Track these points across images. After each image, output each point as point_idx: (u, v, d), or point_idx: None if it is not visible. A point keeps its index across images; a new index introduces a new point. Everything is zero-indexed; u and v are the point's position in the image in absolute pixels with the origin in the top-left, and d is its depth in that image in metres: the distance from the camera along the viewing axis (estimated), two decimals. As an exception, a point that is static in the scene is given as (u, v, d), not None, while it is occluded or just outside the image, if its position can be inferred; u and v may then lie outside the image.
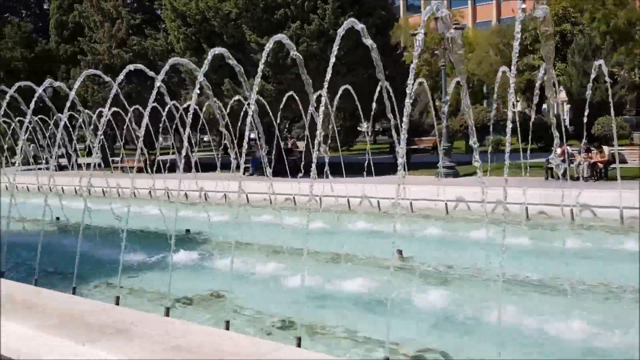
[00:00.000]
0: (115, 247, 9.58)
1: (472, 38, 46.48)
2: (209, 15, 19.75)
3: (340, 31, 6.49)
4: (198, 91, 7.39)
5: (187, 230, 11.33)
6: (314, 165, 5.62)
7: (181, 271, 8.33)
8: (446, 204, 12.14)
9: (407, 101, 5.32)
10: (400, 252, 8.48)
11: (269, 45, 6.74)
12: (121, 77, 7.76)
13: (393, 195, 13.22)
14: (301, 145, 32.04)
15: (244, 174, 23.20)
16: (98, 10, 25.52)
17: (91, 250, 9.42)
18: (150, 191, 17.82)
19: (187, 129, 7.75)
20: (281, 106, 15.54)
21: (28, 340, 4.39)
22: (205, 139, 46.54)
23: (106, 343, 3.98)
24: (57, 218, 13.60)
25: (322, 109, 6.13)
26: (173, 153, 27.11)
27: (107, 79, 9.54)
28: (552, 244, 9.14)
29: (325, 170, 13.12)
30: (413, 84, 5.55)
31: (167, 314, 5.41)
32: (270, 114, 15.77)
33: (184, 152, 7.16)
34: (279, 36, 7.63)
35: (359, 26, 7.34)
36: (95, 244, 10.04)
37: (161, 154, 31.43)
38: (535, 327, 5.56)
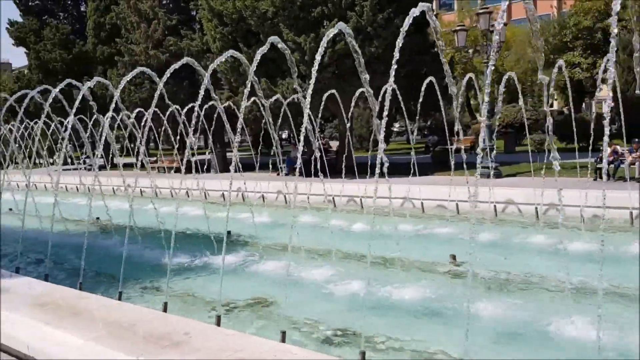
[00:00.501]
0: (158, 248, 9.44)
1: (508, 36, 45.50)
2: (246, 14, 19.58)
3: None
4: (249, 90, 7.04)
5: (229, 232, 11.08)
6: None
7: (226, 275, 8.07)
8: (495, 206, 11.64)
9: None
10: (454, 257, 8.07)
11: (323, 43, 6.35)
12: (166, 76, 7.55)
13: (437, 196, 12.78)
14: (334, 145, 31.74)
15: (278, 174, 23.08)
16: (135, 11, 25.65)
17: (134, 252, 9.26)
18: (187, 191, 17.73)
19: (239, 130, 7.46)
20: (322, 106, 15.22)
21: (78, 352, 4.16)
22: (236, 139, 46.56)
23: (164, 357, 3.71)
24: (97, 218, 13.56)
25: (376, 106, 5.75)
26: (208, 153, 27.16)
27: (155, 77, 9.34)
28: (618, 249, 8.59)
29: (381, 170, 12.73)
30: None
31: (218, 323, 5.14)
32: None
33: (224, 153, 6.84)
34: (340, 25, 7.14)
35: (425, 5, 6.89)
36: (137, 245, 9.88)
37: (192, 154, 31.58)
38: (614, 342, 5.11)
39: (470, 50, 43.84)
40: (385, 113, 5.52)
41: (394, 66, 5.53)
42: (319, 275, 7.71)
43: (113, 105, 8.07)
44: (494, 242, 9.43)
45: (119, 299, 6.14)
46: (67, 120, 12.12)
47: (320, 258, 8.75)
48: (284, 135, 52.72)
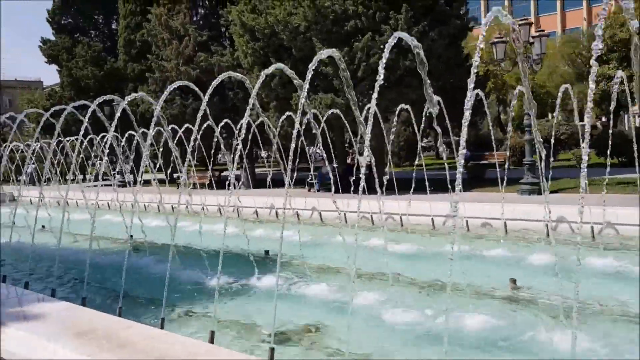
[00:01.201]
0: (197, 269, 9.07)
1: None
2: (278, 29, 19.38)
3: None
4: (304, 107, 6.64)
5: (266, 252, 10.69)
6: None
7: (270, 299, 7.64)
8: (547, 224, 11.01)
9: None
10: (514, 281, 7.51)
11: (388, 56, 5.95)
12: (210, 91, 7.28)
13: (482, 214, 12.20)
14: (363, 160, 31.25)
15: (309, 190, 22.66)
16: (166, 28, 25.72)
17: (172, 273, 8.91)
18: (219, 208, 17.44)
19: (274, 145, 7.08)
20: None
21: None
22: (262, 154, 46.41)
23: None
24: (131, 236, 13.28)
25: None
26: (238, 169, 26.94)
27: (198, 92, 9.07)
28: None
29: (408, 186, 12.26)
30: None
31: (272, 357, 4.70)
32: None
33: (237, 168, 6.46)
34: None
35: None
36: (174, 265, 9.51)
37: (222, 170, 31.45)
38: None
39: (503, 64, 42.99)
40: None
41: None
42: (370, 300, 7.22)
43: (155, 119, 7.77)
44: (553, 264, 8.82)
45: (162, 326, 5.75)
46: (105, 136, 11.87)
47: (368, 281, 8.26)
48: (312, 151, 52.49)
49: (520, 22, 17.20)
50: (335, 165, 24.94)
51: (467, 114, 4.59)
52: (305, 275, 8.68)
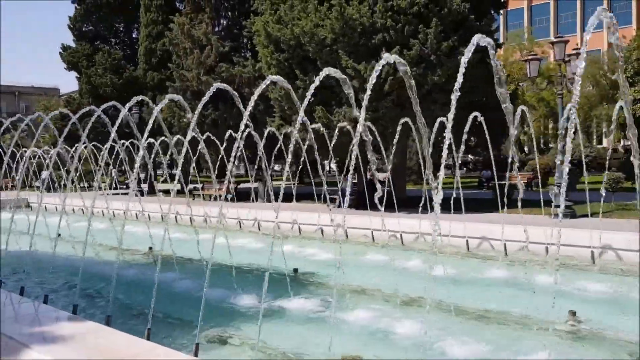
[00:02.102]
0: (223, 286, 8.54)
1: (564, 69, 44.21)
2: (304, 41, 18.99)
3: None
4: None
5: (295, 270, 10.14)
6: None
7: (304, 323, 7.10)
8: (592, 251, 10.39)
9: None
10: (573, 313, 6.90)
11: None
12: (204, 100, 6.96)
13: (520, 237, 11.58)
14: (381, 176, 30.70)
15: (328, 205, 22.12)
16: (188, 37, 25.48)
17: (197, 290, 8.38)
18: (239, 221, 16.96)
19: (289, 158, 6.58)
20: (399, 132, 14.29)
21: None
22: (276, 168, 45.96)
23: None
24: (150, 248, 12.81)
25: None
26: (255, 181, 26.50)
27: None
28: None
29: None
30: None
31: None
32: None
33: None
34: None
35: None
36: (198, 282, 9.00)
37: (238, 182, 31.01)
38: None
39: (524, 83, 42.50)
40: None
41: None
42: (410, 330, 6.64)
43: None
44: (610, 296, 8.21)
45: (196, 353, 5.22)
46: (124, 143, 11.42)
47: (407, 306, 7.67)
48: (333, 166, 51.88)
49: (556, 40, 16.71)
50: (355, 181, 24.42)
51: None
52: (341, 298, 8.11)
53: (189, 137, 7.19)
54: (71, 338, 5.16)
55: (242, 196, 24.39)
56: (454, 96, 6.68)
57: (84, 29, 34.33)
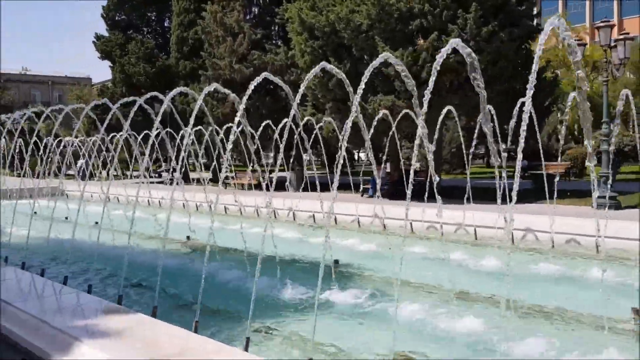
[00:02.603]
0: (268, 277, 8.37)
1: (597, 57, 42.82)
2: (339, 27, 18.65)
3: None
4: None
5: (336, 261, 9.91)
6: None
7: (350, 318, 6.87)
8: (646, 245, 9.91)
9: None
10: (637, 311, 6.52)
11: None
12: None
13: (567, 229, 11.16)
14: (411, 166, 30.12)
15: (362, 195, 21.86)
16: (220, 25, 25.36)
17: (242, 282, 8.25)
18: (274, 211, 16.80)
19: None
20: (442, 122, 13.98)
21: None
22: (304, 157, 45.76)
23: None
24: (188, 237, 12.75)
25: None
26: (288, 170, 26.32)
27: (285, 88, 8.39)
28: None
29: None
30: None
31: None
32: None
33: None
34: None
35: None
36: (239, 272, 8.87)
37: (271, 171, 30.90)
38: None
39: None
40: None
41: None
42: (464, 327, 6.35)
43: (239, 114, 7.11)
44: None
45: (246, 347, 5.04)
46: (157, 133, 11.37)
47: (456, 301, 7.38)
48: (362, 155, 51.59)
49: (601, 25, 16.03)
50: (388, 170, 24.07)
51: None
52: (388, 292, 7.86)
53: (235, 127, 6.94)
54: (118, 331, 5.03)
55: (272, 185, 24.24)
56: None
57: (117, 18, 34.56)
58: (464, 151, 17.29)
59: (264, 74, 7.74)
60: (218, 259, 9.78)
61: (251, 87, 7.22)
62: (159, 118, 7.67)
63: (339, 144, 13.65)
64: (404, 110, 15.47)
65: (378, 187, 21.09)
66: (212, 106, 25.78)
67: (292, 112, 6.75)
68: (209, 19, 26.15)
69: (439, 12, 17.73)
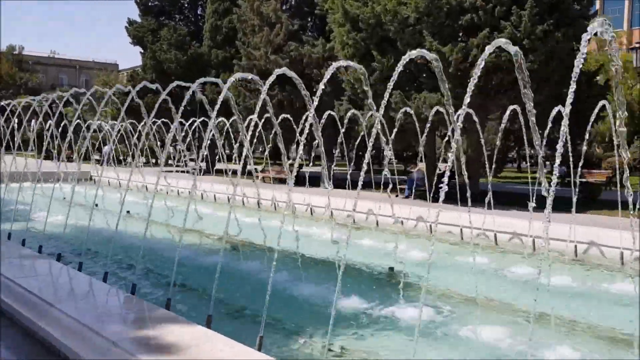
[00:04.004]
0: (313, 282, 7.68)
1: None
2: (385, 20, 17.86)
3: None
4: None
5: (391, 269, 9.20)
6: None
7: (422, 338, 6.12)
8: None
9: None
10: None
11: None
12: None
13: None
14: (442, 166, 29.27)
15: (397, 195, 21.05)
16: (257, 14, 24.71)
17: (286, 284, 7.56)
18: (310, 208, 16.13)
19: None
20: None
21: None
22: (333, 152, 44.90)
23: None
24: (225, 232, 12.08)
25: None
26: (314, 165, 25.68)
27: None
28: None
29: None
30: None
31: None
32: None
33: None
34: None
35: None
36: (281, 274, 8.16)
37: (300, 166, 30.24)
38: None
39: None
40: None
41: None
42: (558, 356, 5.58)
43: (259, 106, 6.54)
44: None
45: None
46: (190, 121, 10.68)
47: (529, 322, 6.59)
48: (387, 154, 50.62)
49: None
50: (415, 169, 23.23)
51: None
52: (452, 307, 7.11)
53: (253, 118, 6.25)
54: (174, 346, 4.37)
55: (301, 181, 23.53)
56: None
57: (149, 4, 34.09)
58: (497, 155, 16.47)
59: (280, 70, 7.27)
60: (260, 259, 9.12)
61: (270, 79, 6.75)
62: (212, 108, 6.99)
63: (370, 140, 12.86)
64: (436, 108, 14.74)
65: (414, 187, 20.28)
66: (244, 97, 25.18)
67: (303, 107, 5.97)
68: (245, 7, 25.53)
69: (491, 7, 16.85)
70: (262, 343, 4.86)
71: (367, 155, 5.88)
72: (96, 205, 15.90)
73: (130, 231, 11.03)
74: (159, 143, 27.90)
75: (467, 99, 8.03)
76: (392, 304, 7.01)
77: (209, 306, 5.40)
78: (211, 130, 7.92)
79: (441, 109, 14.50)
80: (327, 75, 6.59)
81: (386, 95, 6.73)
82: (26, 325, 5.31)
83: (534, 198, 10.53)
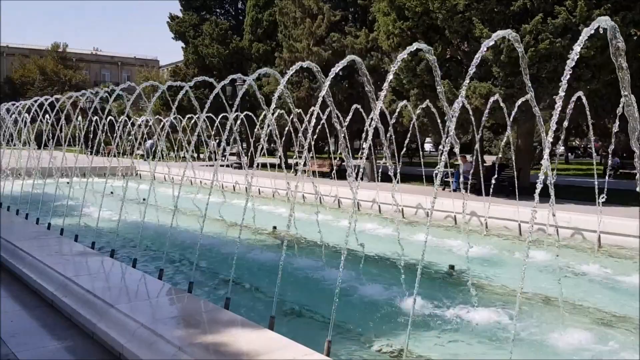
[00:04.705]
0: (379, 283, 7.33)
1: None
2: (433, 7, 17.26)
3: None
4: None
5: (451, 267, 8.77)
6: None
7: (498, 343, 5.70)
8: None
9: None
10: None
11: None
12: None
13: None
14: (488, 159, 28.44)
15: (444, 189, 20.47)
16: (299, 6, 24.38)
17: (346, 284, 7.20)
18: (357, 203, 15.74)
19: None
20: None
21: None
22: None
23: None
24: (275, 227, 11.89)
25: None
26: (355, 158, 25.21)
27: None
28: None
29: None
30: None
31: None
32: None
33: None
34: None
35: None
36: (347, 273, 7.82)
37: (342, 160, 29.84)
38: None
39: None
40: None
41: None
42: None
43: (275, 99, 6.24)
44: None
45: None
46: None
47: (613, 329, 6.09)
48: (427, 146, 49.85)
49: None
50: (472, 163, 22.56)
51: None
52: (531, 311, 6.64)
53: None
54: (247, 355, 4.08)
55: (341, 174, 23.18)
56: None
57: (191, -1, 34.14)
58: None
59: (351, 57, 6.88)
60: (313, 255, 8.82)
61: (336, 69, 6.46)
62: (237, 100, 6.70)
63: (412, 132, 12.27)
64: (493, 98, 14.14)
65: (461, 180, 19.66)
66: (287, 90, 24.93)
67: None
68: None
69: (545, -9, 16.08)
70: (330, 348, 4.55)
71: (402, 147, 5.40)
72: (144, 199, 15.98)
73: (182, 226, 10.90)
74: (204, 138, 28.00)
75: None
76: (461, 305, 6.58)
77: (267, 305, 5.13)
78: (269, 125, 7.61)
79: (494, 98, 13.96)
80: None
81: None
82: (84, 325, 5.15)
83: (603, 192, 9.97)
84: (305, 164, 25.71)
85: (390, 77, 6.75)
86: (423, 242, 9.52)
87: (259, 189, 18.68)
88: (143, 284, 6.19)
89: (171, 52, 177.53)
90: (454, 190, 19.76)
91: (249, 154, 28.39)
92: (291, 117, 16.79)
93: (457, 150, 9.83)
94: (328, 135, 24.58)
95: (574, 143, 52.14)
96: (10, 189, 13.34)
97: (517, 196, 12.55)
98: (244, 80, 27.47)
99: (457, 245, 10.37)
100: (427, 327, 5.95)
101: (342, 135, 8.16)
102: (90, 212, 12.62)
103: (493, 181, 13.37)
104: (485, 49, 6.15)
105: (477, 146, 17.71)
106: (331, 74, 6.55)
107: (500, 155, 23.36)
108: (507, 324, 5.99)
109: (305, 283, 7.50)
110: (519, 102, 12.85)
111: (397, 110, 17.00)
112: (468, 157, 22.37)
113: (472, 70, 5.86)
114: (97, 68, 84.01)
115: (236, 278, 7.87)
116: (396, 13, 18.70)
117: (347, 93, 24.36)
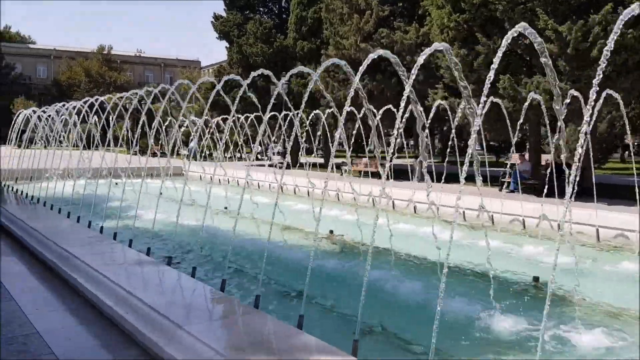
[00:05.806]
0: (457, 295, 6.61)
1: None
2: (492, -2, 16.36)
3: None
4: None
5: (535, 279, 7.96)
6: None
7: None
8: None
9: None
10: None
11: None
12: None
13: None
14: (544, 157, 27.12)
15: (500, 189, 19.45)
16: (346, 2, 23.74)
17: (422, 296, 6.53)
18: (414, 205, 15.04)
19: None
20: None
21: None
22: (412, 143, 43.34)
23: None
24: (331, 231, 11.28)
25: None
26: (410, 158, 24.34)
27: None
28: None
29: None
30: None
31: None
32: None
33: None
34: None
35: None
36: (420, 285, 7.16)
37: (391, 159, 29.00)
38: None
39: None
40: None
41: None
42: None
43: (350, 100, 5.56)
44: None
45: None
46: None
47: None
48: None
49: None
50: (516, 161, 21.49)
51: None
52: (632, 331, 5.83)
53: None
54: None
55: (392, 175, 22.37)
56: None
57: (235, -2, 33.96)
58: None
59: (380, 51, 6.15)
60: (379, 264, 8.14)
61: (364, 65, 5.86)
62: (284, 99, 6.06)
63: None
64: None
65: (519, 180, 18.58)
66: (333, 88, 24.32)
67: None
68: (334, -5, 24.64)
69: (616, -22, 14.98)
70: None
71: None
72: (193, 201, 15.63)
73: (232, 230, 10.39)
74: (246, 138, 27.66)
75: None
76: (557, 324, 5.81)
77: (335, 321, 4.48)
78: (322, 123, 7.00)
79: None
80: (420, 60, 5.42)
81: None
82: (148, 347, 4.63)
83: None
84: (378, 165, 25.02)
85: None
86: (494, 249, 8.70)
87: (308, 190, 18.11)
88: (206, 298, 5.68)
89: (211, 53, 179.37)
90: (512, 191, 18.77)
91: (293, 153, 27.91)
92: (343, 114, 16.17)
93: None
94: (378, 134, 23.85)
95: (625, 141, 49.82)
96: (61, 191, 13.14)
97: (595, 199, 11.60)
98: (288, 79, 26.89)
99: (535, 253, 9.56)
100: (522, 349, 5.22)
101: (425, 134, 7.46)
102: (141, 214, 12.28)
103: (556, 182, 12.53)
104: (507, 42, 5.22)
105: (552, 144, 16.59)
106: (361, 69, 5.96)
107: (565, 154, 22.12)
108: (608, 344, 5.22)
109: (387, 298, 6.82)
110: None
111: (460, 107, 16.04)
112: (526, 155, 21.31)
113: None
114: (140, 70, 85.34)
115: (311, 290, 7.30)
116: (451, 5, 17.86)
117: (395, 90, 23.57)
